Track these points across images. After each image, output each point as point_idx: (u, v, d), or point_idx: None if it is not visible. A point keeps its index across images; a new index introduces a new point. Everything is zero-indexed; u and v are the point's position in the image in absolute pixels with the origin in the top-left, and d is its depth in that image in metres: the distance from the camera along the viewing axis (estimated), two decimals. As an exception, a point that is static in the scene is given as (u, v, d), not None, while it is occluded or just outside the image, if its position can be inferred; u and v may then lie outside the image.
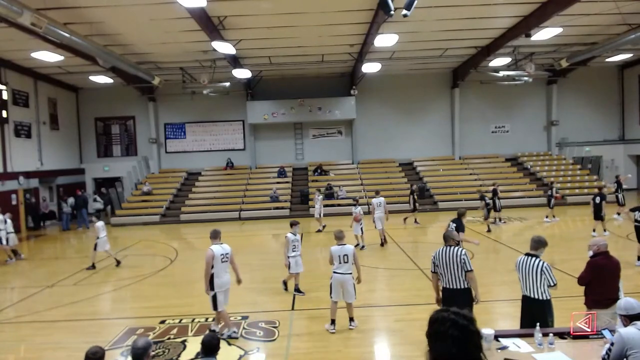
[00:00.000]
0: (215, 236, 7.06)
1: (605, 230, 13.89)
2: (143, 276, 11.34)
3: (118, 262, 12.57)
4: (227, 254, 6.98)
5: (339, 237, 7.26)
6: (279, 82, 25.40)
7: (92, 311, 8.78)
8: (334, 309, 7.07)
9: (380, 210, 14.04)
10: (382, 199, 14.39)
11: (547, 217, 17.15)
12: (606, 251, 5.51)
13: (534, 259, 5.29)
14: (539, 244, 5.40)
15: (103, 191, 24.01)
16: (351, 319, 7.17)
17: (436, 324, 1.90)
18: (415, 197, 17.86)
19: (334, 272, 7.07)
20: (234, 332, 7.05)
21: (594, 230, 13.88)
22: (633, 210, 10.44)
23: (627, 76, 26.02)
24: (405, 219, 18.22)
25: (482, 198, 16.44)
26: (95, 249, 12.40)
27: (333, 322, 7.07)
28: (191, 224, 20.97)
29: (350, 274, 7.10)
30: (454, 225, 9.38)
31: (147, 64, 20.60)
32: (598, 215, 13.82)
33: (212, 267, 6.78)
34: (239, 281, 7.31)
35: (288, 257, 9.01)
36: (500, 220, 17.06)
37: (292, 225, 9.19)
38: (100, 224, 12.60)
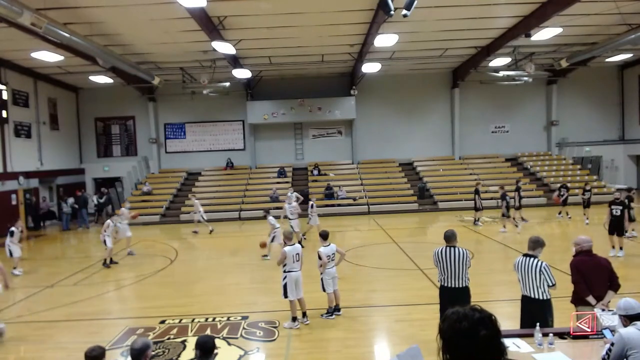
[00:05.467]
0: None
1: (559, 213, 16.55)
2: (143, 276, 11.34)
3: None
4: None
5: (289, 238, 7.50)
6: (279, 82, 25.39)
7: (92, 311, 8.77)
8: (294, 306, 7.32)
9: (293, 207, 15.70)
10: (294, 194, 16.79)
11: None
12: (588, 250, 5.48)
13: (532, 259, 5.31)
14: (536, 244, 5.42)
15: (103, 191, 23.99)
16: (305, 314, 7.43)
17: (459, 322, 1.72)
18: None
19: (290, 272, 7.26)
20: None
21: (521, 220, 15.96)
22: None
23: (627, 76, 26.02)
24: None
25: (503, 197, 15.72)
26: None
27: (296, 319, 7.31)
28: (191, 224, 20.93)
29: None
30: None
31: (147, 64, 20.59)
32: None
33: None
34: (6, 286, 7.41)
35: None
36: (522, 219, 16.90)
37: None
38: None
